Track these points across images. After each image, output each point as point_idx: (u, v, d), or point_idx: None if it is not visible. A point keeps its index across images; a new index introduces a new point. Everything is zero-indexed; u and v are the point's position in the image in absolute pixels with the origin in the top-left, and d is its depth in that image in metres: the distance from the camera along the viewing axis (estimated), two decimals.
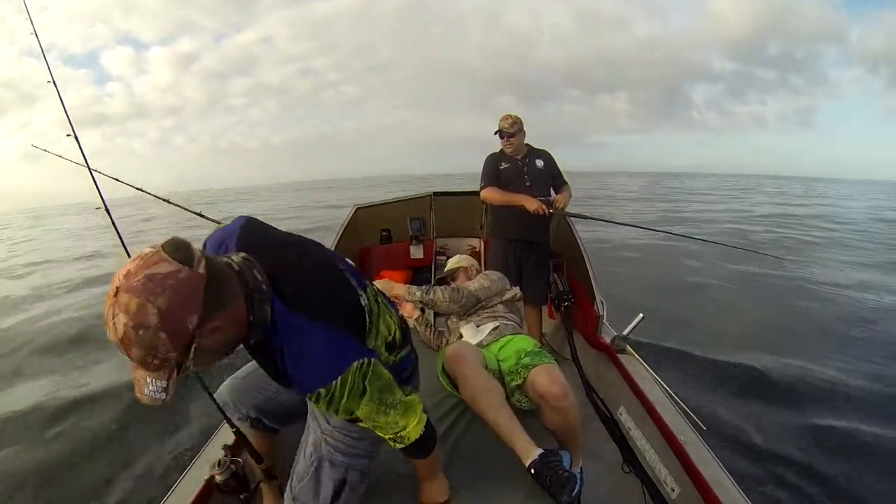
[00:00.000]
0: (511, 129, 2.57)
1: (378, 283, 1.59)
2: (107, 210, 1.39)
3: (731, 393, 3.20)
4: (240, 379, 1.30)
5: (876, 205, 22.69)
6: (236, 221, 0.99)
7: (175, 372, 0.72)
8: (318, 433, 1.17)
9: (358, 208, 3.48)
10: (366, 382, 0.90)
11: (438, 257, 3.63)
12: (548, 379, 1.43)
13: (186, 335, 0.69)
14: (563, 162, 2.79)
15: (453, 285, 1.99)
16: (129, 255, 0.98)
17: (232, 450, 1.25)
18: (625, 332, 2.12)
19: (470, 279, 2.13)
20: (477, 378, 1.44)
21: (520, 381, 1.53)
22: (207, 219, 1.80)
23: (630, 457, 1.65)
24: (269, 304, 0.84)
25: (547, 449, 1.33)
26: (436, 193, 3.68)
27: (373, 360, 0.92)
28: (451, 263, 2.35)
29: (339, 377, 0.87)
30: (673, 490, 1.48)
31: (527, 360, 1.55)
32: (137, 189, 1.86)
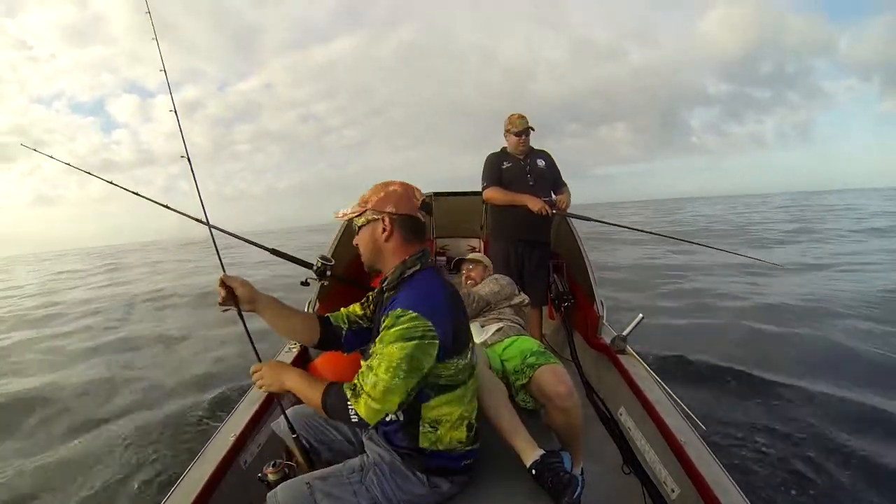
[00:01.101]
0: (529, 126, 2.56)
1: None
2: (211, 233, 1.52)
3: (732, 394, 3.21)
4: (307, 413, 1.38)
5: None
6: None
7: (359, 216, 1.18)
8: (367, 460, 1.22)
9: None
10: (416, 338, 1.03)
11: (438, 258, 3.62)
12: (553, 378, 1.44)
13: (372, 204, 1.16)
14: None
15: (464, 290, 2.00)
16: (223, 269, 1.29)
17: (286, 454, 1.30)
18: (624, 333, 2.12)
19: (483, 279, 2.16)
20: (481, 375, 1.44)
21: (525, 381, 1.53)
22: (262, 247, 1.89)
23: (630, 457, 1.65)
24: (420, 269, 1.16)
25: (548, 450, 1.34)
26: (436, 194, 3.66)
27: (437, 341, 1.06)
28: (474, 255, 2.38)
29: (414, 312, 1.04)
30: (673, 490, 1.48)
31: (532, 359, 1.55)
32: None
